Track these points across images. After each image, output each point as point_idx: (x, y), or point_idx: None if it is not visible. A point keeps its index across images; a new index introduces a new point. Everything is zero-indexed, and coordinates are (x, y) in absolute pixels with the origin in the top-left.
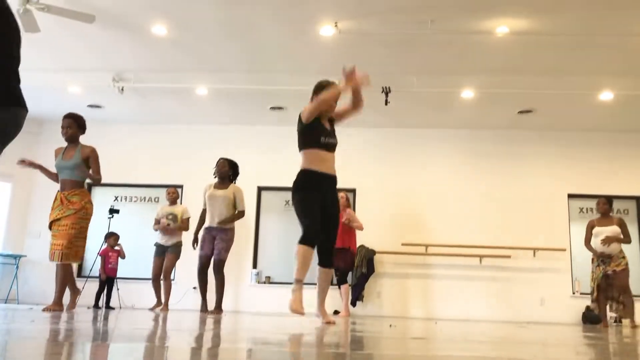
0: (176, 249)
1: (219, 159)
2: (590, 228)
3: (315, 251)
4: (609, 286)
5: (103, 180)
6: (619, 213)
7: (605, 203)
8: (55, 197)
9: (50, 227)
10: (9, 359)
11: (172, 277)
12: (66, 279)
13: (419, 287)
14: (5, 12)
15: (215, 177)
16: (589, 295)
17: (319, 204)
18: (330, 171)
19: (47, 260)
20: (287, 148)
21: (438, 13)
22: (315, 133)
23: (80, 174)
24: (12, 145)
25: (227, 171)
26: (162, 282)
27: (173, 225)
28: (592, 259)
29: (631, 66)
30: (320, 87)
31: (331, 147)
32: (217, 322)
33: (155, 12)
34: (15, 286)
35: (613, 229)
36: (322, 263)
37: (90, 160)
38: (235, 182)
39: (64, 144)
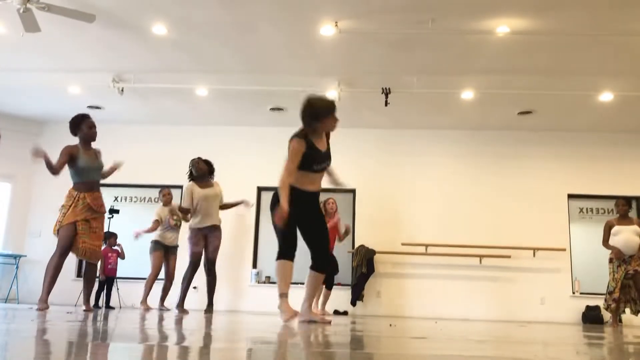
0: (176, 250)
1: (194, 159)
2: (608, 228)
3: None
4: (627, 287)
5: (103, 181)
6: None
7: (625, 204)
8: (78, 197)
9: (71, 224)
10: (9, 359)
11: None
12: (95, 278)
13: (419, 287)
14: None
15: (191, 177)
16: (593, 294)
17: (298, 220)
18: (317, 189)
19: (47, 260)
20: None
21: (438, 13)
22: (310, 160)
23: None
24: (12, 146)
25: (205, 168)
26: (165, 282)
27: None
28: (610, 259)
29: (631, 66)
30: (316, 114)
31: (321, 171)
32: (218, 322)
33: (155, 12)
34: (15, 286)
35: (635, 229)
36: (316, 267)
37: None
38: (213, 178)
39: (65, 144)
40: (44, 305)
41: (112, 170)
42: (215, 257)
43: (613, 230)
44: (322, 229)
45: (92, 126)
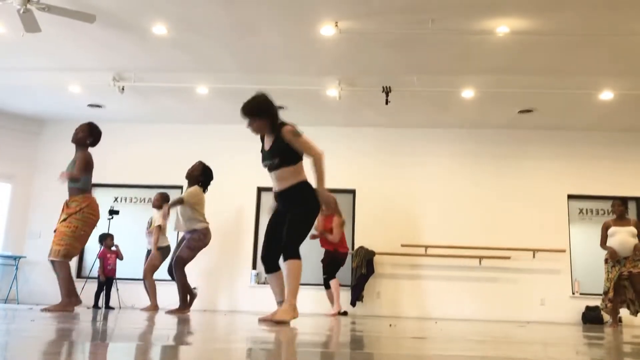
0: (158, 250)
1: (196, 162)
2: (605, 229)
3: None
4: (623, 287)
5: (103, 181)
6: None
7: (621, 205)
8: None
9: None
10: (9, 359)
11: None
12: (64, 277)
13: (419, 288)
14: None
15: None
16: (592, 295)
17: (272, 222)
18: (275, 188)
19: (46, 260)
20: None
21: (438, 13)
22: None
23: (75, 180)
24: (13, 146)
25: (198, 176)
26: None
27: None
28: (606, 259)
29: (631, 66)
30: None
31: (268, 169)
32: (218, 323)
33: (155, 12)
34: (15, 287)
35: (631, 230)
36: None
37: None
38: (206, 189)
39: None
40: (53, 307)
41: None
42: (179, 255)
43: (610, 231)
44: (274, 228)
45: (74, 131)
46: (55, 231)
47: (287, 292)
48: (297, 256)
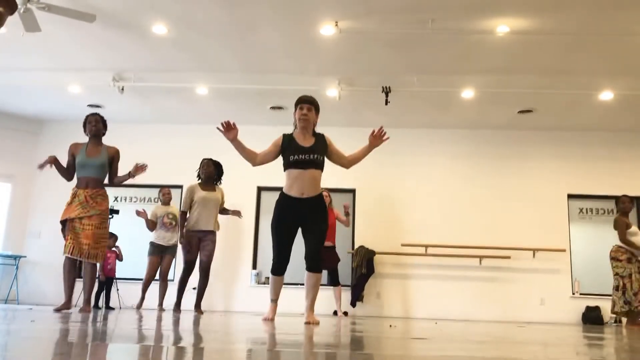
0: (175, 249)
1: (203, 160)
2: (625, 225)
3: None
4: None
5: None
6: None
7: (630, 201)
8: (75, 194)
9: (64, 223)
10: (9, 359)
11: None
12: (94, 279)
13: (419, 288)
14: None
15: (199, 177)
16: (592, 295)
17: (290, 230)
18: (302, 193)
19: (46, 260)
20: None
21: (438, 13)
22: (287, 153)
23: (104, 173)
24: (13, 146)
25: (213, 172)
26: (160, 282)
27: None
28: (629, 259)
29: (631, 66)
30: (296, 103)
31: (304, 165)
32: (218, 323)
33: (155, 11)
34: (15, 286)
35: None
36: (309, 268)
37: (114, 161)
38: (219, 183)
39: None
40: (60, 306)
41: (130, 175)
42: (209, 261)
43: (630, 231)
44: (310, 233)
45: (90, 122)
46: (72, 220)
47: (311, 300)
48: (321, 270)
